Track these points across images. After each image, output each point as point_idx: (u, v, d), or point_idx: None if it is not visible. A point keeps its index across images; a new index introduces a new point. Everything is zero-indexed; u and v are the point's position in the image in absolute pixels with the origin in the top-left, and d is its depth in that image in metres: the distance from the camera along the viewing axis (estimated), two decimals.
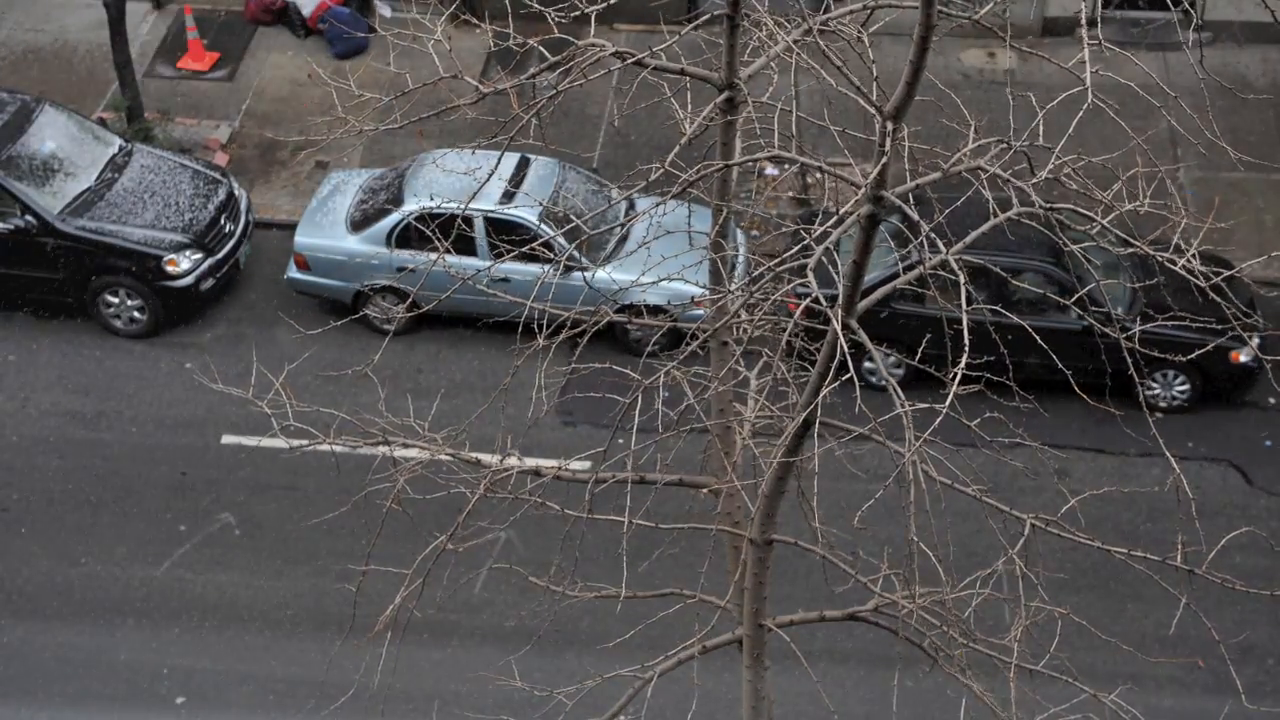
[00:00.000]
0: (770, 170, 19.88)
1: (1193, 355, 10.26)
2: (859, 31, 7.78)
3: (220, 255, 18.25)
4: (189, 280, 17.96)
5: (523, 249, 9.82)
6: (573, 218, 16.84)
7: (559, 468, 9.37)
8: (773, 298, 8.19)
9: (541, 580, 10.27)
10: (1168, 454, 7.88)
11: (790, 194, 19.69)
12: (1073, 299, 8.97)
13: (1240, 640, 14.13)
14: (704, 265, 9.56)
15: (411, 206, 17.38)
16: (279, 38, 22.56)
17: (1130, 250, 7.47)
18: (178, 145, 20.26)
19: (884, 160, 6.52)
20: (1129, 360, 8.23)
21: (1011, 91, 8.03)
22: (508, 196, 17.29)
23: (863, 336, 7.11)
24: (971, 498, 8.40)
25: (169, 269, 17.84)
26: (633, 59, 8.20)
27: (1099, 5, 20.65)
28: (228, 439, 16.98)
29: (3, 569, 15.77)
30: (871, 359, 7.01)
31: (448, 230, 14.97)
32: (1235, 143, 8.88)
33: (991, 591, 9.28)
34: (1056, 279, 16.11)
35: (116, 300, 18.07)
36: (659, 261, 9.72)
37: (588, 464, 10.02)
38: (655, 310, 16.05)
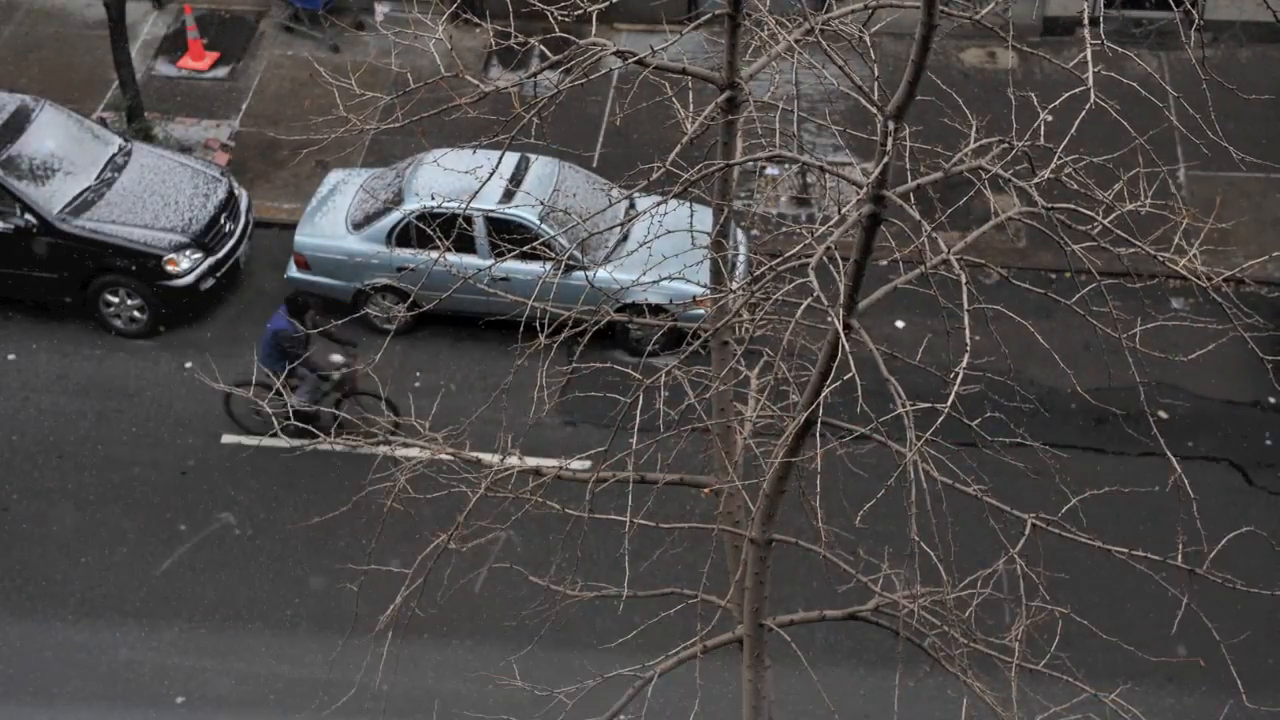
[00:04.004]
0: (771, 170, 19.88)
1: None
2: (860, 31, 7.79)
3: (220, 255, 18.25)
4: (189, 280, 17.96)
5: (523, 249, 9.82)
6: (574, 217, 16.84)
7: (560, 467, 9.38)
8: (774, 297, 8.19)
9: (542, 580, 10.29)
10: (1168, 454, 7.87)
11: (791, 193, 19.69)
12: (1074, 298, 8.94)
13: (1240, 640, 14.12)
14: (705, 265, 9.57)
15: (412, 205, 17.38)
16: (280, 36, 22.56)
17: (1131, 251, 7.46)
18: (178, 145, 20.27)
19: (885, 160, 6.52)
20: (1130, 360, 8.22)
21: (1012, 91, 8.04)
22: (508, 196, 17.29)
23: (864, 336, 7.11)
24: (972, 497, 8.40)
25: (169, 268, 17.83)
26: (634, 58, 8.21)
27: (1100, 4, 20.65)
28: (228, 439, 16.98)
29: (3, 569, 15.77)
30: None
31: (448, 229, 14.97)
32: (1235, 142, 8.86)
33: (992, 591, 9.28)
34: None
35: (116, 300, 18.07)
36: (660, 261, 9.72)
37: (588, 464, 10.02)
38: (656, 310, 16.05)
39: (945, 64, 21.46)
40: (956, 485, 8.27)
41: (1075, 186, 7.44)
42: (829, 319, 7.00)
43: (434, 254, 16.18)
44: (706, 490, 9.81)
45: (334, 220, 18.11)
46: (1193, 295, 17.88)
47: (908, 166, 7.08)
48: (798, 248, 7.12)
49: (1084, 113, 6.67)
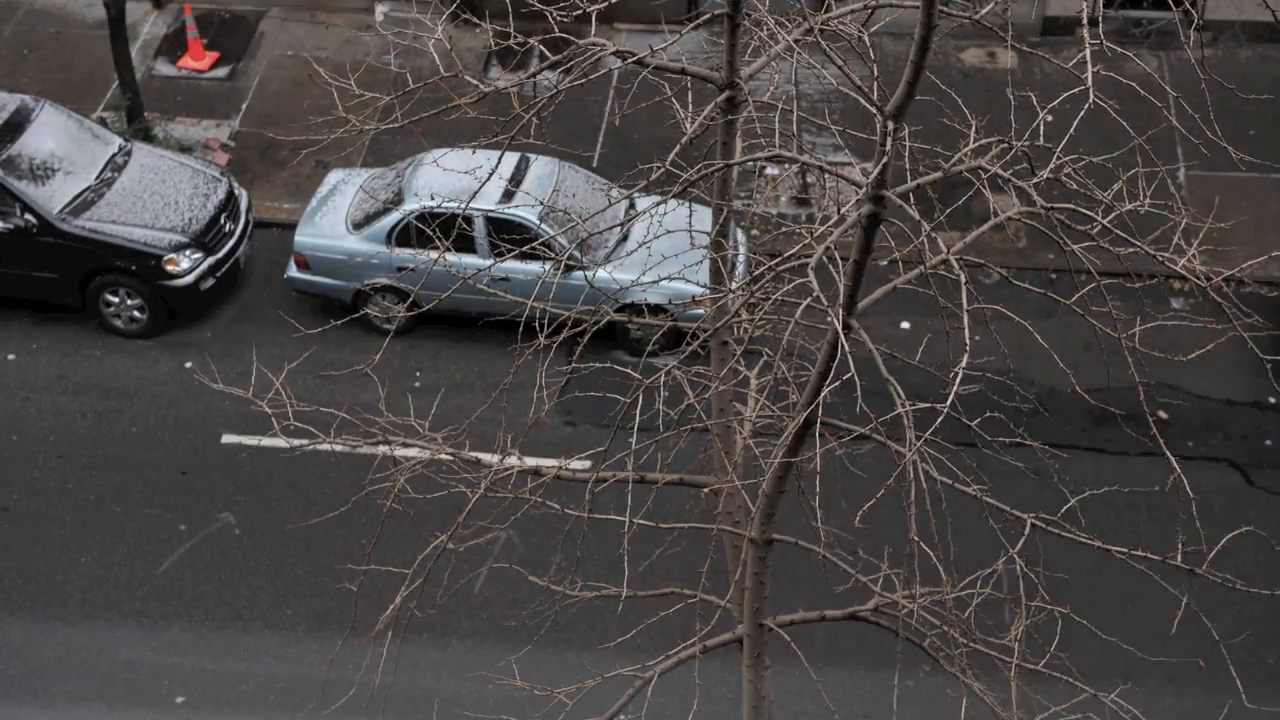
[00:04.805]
0: (771, 170, 19.88)
1: None
2: (860, 31, 7.79)
3: (220, 254, 18.25)
4: (189, 279, 17.96)
5: (523, 249, 9.82)
6: (574, 217, 16.84)
7: (559, 467, 9.37)
8: (774, 297, 8.19)
9: (542, 580, 10.29)
10: (1168, 454, 7.87)
11: (790, 193, 19.68)
12: (1073, 298, 8.95)
13: (1240, 640, 14.12)
14: (704, 265, 9.57)
15: (412, 205, 17.39)
16: (280, 37, 22.57)
17: (1131, 251, 7.46)
18: (178, 145, 20.27)
19: (885, 160, 6.52)
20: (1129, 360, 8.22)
21: (1012, 91, 8.03)
22: (508, 196, 17.29)
23: (864, 336, 7.11)
24: (972, 497, 8.40)
25: (169, 268, 17.84)
26: (633, 58, 8.21)
27: (1100, 4, 20.64)
28: (228, 438, 16.98)
29: (3, 568, 15.77)
30: None
31: (448, 229, 14.97)
32: (1235, 142, 8.86)
33: (992, 591, 9.28)
34: None
35: (116, 300, 18.08)
36: (659, 261, 9.72)
37: (588, 463, 10.03)
38: (656, 310, 16.06)
39: (945, 64, 21.46)
40: (956, 485, 8.27)
41: (1075, 186, 7.44)
42: (828, 319, 7.00)
43: (434, 254, 16.18)
44: (706, 490, 9.81)
45: (334, 220, 18.12)
46: (1193, 295, 17.89)
47: (907, 166, 7.08)
48: (797, 248, 7.12)
49: (1083, 113, 6.67)
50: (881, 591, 9.37)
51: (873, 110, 6.65)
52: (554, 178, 17.75)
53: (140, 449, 16.95)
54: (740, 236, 17.66)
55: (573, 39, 8.81)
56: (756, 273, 7.66)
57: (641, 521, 8.85)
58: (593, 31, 8.41)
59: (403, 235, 17.48)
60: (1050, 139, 7.34)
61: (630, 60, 8.24)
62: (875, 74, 7.02)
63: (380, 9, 22.54)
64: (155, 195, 18.27)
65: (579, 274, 15.69)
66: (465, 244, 17.01)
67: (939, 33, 6.21)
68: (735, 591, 9.59)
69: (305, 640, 15.09)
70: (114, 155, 18.58)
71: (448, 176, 16.15)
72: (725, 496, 9.67)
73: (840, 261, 7.15)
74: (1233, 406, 17.29)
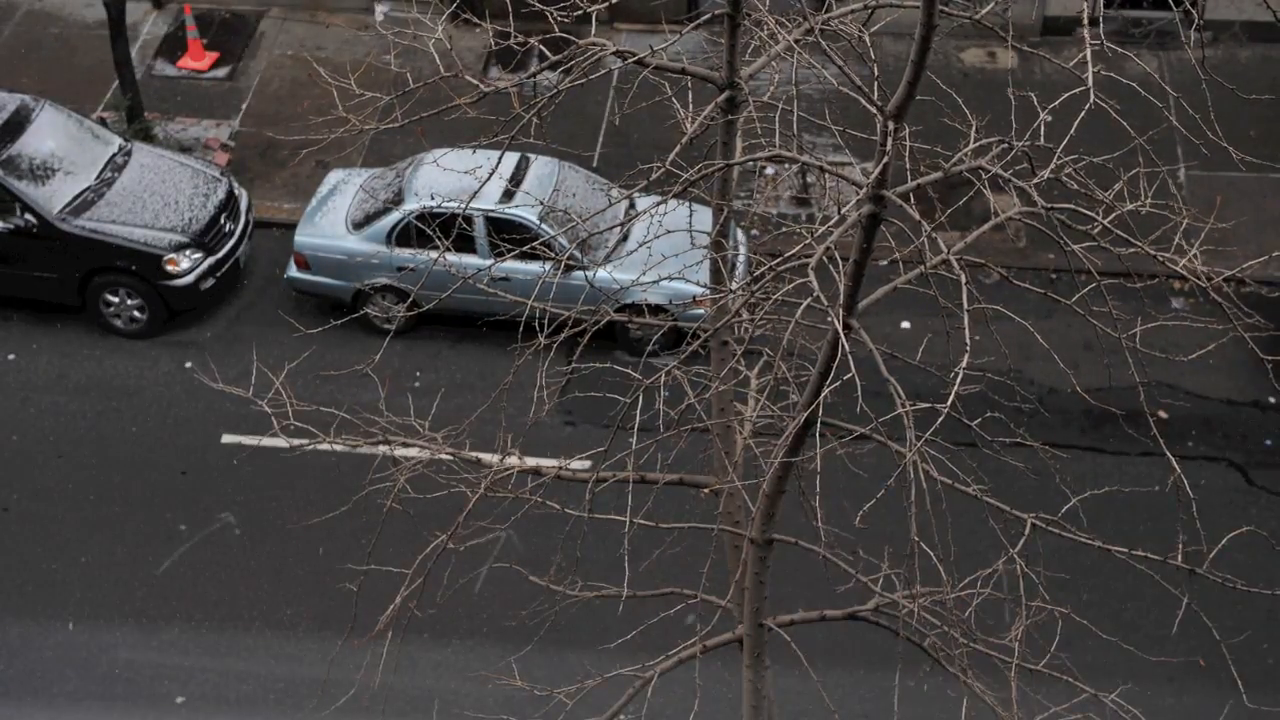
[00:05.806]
0: (769, 170, 19.88)
1: None
2: (860, 31, 7.79)
3: (220, 254, 18.26)
4: (189, 279, 17.96)
5: (523, 249, 9.82)
6: (574, 217, 16.84)
7: (559, 467, 9.37)
8: (774, 297, 8.19)
9: (542, 580, 10.28)
10: (1168, 454, 7.87)
11: (790, 193, 19.69)
12: (1074, 298, 8.95)
13: (1240, 640, 14.13)
14: (704, 265, 9.57)
15: (412, 205, 17.39)
16: (280, 37, 22.57)
17: (1131, 251, 7.45)
18: (178, 145, 20.27)
19: (885, 159, 6.51)
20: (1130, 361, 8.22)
21: (1013, 91, 8.04)
22: (508, 195, 17.29)
23: (864, 336, 7.10)
24: (972, 497, 8.40)
25: (169, 268, 17.84)
26: (634, 58, 8.21)
27: (1100, 4, 20.63)
28: (228, 438, 16.98)
29: (3, 568, 15.76)
30: None
31: (448, 229, 14.97)
32: (1235, 142, 8.86)
33: (992, 591, 9.28)
34: None
35: (116, 300, 18.08)
36: (660, 261, 9.72)
37: (588, 463, 10.02)
38: (656, 310, 16.06)
39: (945, 64, 21.46)
40: (956, 485, 8.26)
41: (1075, 186, 7.44)
42: (829, 319, 7.00)
43: (434, 254, 16.18)
44: (706, 490, 9.81)
45: (334, 220, 18.12)
46: (1193, 295, 17.89)
47: (907, 166, 7.08)
48: (798, 248, 7.11)
49: (1084, 113, 6.66)
50: (881, 591, 9.37)
51: (873, 110, 6.65)
52: (554, 177, 17.75)
53: (140, 449, 16.95)
54: (740, 236, 17.66)
55: (573, 39, 8.80)
56: (757, 273, 7.66)
57: (641, 521, 8.84)
58: (593, 31, 8.40)
59: (403, 235, 17.49)
60: (1050, 139, 7.33)
61: (630, 60, 8.24)
62: (876, 74, 7.02)
63: (380, 9, 22.54)
64: (155, 195, 18.27)
65: (579, 274, 15.69)
66: (465, 244, 17.01)
67: (939, 33, 6.21)
68: (735, 591, 9.59)
69: (305, 640, 15.09)
70: (114, 155, 18.59)
71: (448, 176, 16.14)
72: (725, 497, 9.67)
73: (840, 261, 7.15)
74: (1233, 406, 17.29)
